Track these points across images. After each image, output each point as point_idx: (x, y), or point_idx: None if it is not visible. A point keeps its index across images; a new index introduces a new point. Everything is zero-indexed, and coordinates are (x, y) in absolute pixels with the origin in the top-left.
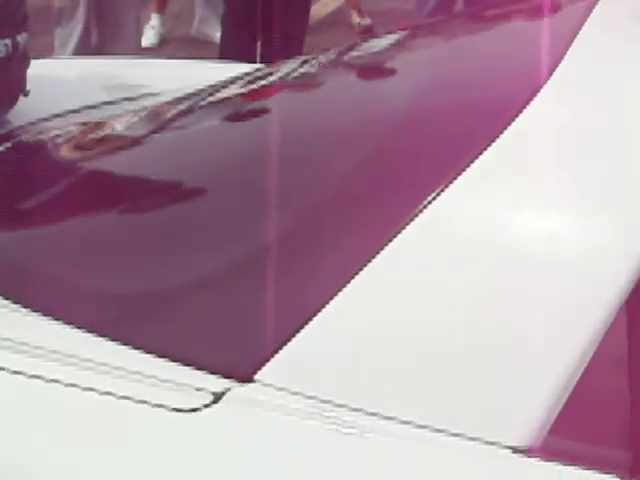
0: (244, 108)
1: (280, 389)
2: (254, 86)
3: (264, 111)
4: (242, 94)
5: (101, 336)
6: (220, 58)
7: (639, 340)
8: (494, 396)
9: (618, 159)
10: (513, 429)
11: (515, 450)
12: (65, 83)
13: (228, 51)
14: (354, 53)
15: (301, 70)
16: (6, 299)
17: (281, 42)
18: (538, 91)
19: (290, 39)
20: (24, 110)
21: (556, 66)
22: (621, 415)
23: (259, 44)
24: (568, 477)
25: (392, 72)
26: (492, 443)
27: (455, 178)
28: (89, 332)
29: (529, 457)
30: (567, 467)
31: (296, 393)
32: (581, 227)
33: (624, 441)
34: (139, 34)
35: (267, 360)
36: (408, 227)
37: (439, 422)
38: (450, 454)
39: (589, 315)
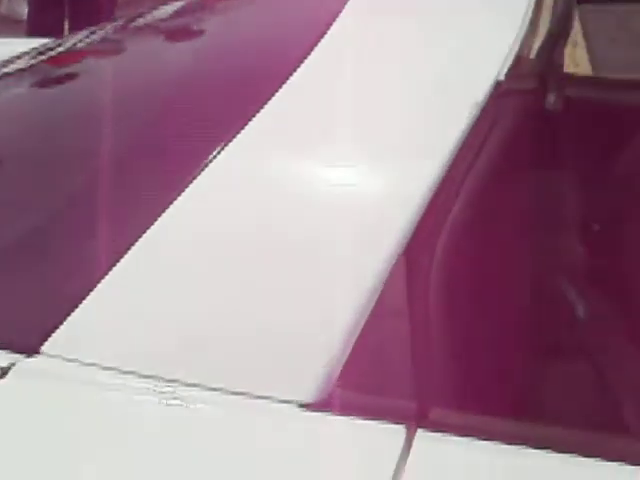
0: (31, 78)
1: (68, 360)
2: (43, 57)
3: (48, 80)
4: (30, 65)
5: None
6: (28, 36)
7: (419, 288)
8: (280, 354)
9: (392, 110)
10: (300, 385)
11: (303, 406)
12: None
13: (36, 29)
14: (142, 20)
15: (92, 37)
16: None
17: (90, 18)
18: (315, 47)
19: (99, 14)
20: None
21: (332, 22)
22: (405, 365)
23: (67, 20)
24: (356, 429)
25: (178, 36)
26: (281, 401)
27: (236, 135)
28: None
29: (317, 412)
30: (355, 419)
31: (89, 364)
32: (356, 177)
33: (409, 391)
34: None
35: (53, 331)
36: (191, 185)
37: (226, 383)
38: (242, 414)
39: (367, 266)
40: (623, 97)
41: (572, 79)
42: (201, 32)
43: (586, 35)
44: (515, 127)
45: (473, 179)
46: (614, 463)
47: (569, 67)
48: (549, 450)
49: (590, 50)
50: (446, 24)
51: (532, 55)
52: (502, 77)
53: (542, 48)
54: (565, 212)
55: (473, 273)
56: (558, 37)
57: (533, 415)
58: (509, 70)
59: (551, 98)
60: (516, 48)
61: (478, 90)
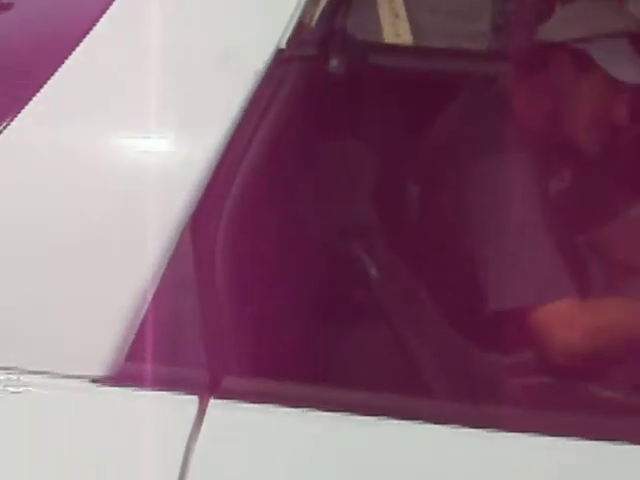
0: None
1: None
2: None
3: None
4: None
5: None
6: None
7: (206, 256)
8: (71, 332)
9: (175, 80)
10: (91, 361)
11: (95, 380)
12: None
13: None
14: None
15: None
16: None
17: None
18: (99, 19)
19: None
20: None
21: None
22: (196, 336)
23: None
24: (149, 401)
25: None
26: (73, 377)
27: (23, 107)
28: None
29: (109, 386)
30: (147, 391)
31: None
32: (141, 147)
33: (201, 361)
34: None
35: None
36: None
37: (19, 362)
38: (39, 392)
39: (154, 238)
40: (423, 64)
41: (367, 46)
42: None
43: (408, 7)
44: (298, 93)
45: (257, 146)
46: (412, 422)
47: (390, 38)
48: (346, 413)
49: (412, 21)
50: None
51: (314, 22)
52: (283, 45)
53: (323, 14)
54: (355, 175)
55: (261, 240)
56: (340, 3)
57: (328, 379)
58: (290, 37)
59: (334, 63)
60: (297, 15)
61: (259, 58)
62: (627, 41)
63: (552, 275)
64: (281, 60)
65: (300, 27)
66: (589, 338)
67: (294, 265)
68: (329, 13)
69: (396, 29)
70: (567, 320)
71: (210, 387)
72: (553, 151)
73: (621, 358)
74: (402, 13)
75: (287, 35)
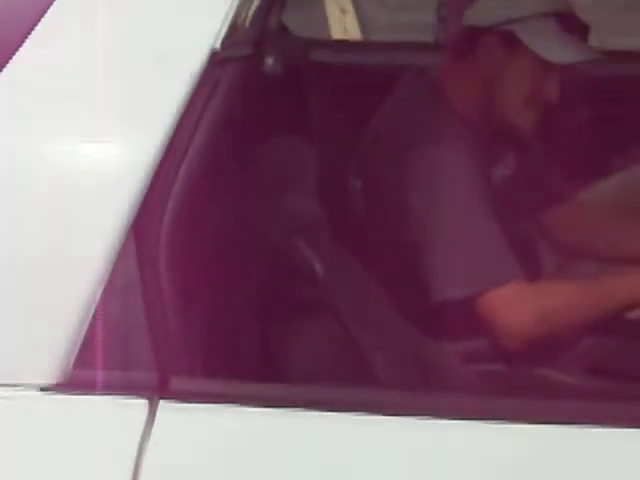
0: None
1: None
2: None
3: None
4: None
5: None
6: None
7: (150, 260)
8: (17, 340)
9: (111, 86)
10: (39, 369)
11: (43, 388)
12: None
13: None
14: None
15: None
16: None
17: None
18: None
19: None
20: None
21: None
22: (143, 339)
23: None
24: (99, 406)
25: None
26: (22, 385)
27: None
28: None
29: (59, 393)
30: (97, 397)
31: None
32: (79, 153)
33: (149, 365)
34: None
35: None
36: None
37: None
38: None
39: (97, 244)
40: (363, 58)
41: (305, 43)
42: None
43: (355, 2)
44: (235, 94)
45: (197, 147)
46: (364, 415)
47: (338, 34)
48: (296, 409)
49: (360, 15)
50: None
51: (248, 22)
52: (218, 46)
53: (257, 13)
54: (297, 171)
55: (205, 241)
56: (272, 3)
57: (278, 377)
58: (225, 38)
59: (269, 62)
60: (231, 15)
61: (194, 60)
62: (555, 21)
63: (499, 261)
64: (216, 61)
65: (234, 27)
66: (538, 321)
67: (239, 264)
68: (263, 12)
69: (343, 24)
70: (516, 304)
71: (159, 389)
72: (490, 136)
73: (570, 340)
74: (349, 8)
75: (221, 36)
